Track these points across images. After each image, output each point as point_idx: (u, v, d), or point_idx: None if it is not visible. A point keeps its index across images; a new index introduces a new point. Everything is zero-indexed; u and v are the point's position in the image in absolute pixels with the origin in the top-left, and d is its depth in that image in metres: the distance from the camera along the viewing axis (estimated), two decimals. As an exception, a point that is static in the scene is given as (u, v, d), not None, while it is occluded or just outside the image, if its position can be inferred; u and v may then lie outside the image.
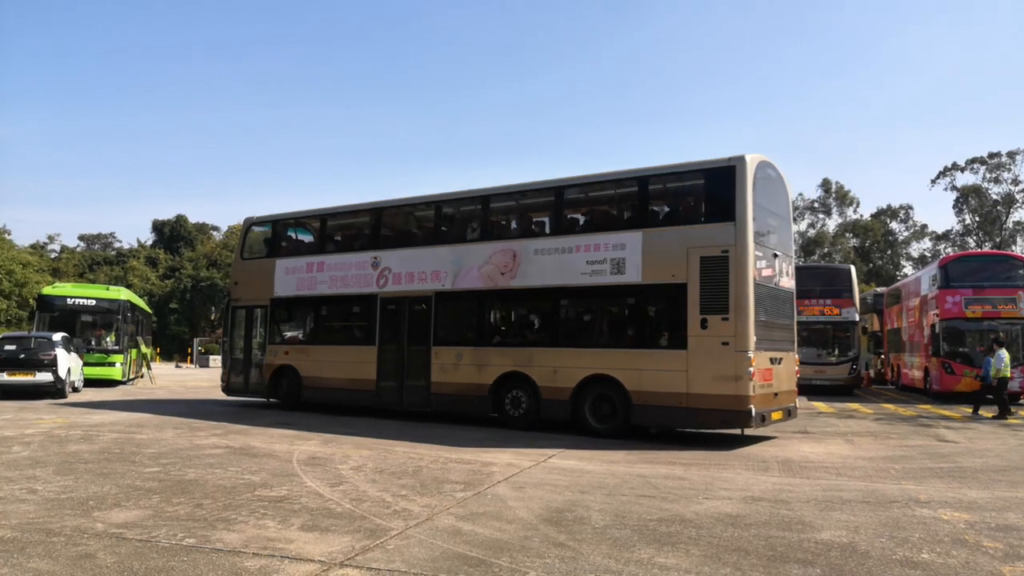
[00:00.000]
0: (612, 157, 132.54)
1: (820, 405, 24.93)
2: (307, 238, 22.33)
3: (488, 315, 17.98)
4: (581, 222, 17.27)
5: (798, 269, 35.14)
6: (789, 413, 16.23)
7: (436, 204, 19.48)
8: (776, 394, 15.58)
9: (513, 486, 10.74)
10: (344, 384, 20.00)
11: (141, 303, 38.09)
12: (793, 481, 11.49)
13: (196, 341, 65.25)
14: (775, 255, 15.95)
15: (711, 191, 15.62)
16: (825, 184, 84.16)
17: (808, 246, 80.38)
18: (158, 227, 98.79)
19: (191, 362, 61.87)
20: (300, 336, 21.57)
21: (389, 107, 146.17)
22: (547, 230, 17.54)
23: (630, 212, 16.59)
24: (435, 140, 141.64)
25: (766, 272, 15.53)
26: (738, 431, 15.82)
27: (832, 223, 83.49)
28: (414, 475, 11.39)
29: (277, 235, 22.76)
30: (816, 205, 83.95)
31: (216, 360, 56.61)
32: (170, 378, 38.31)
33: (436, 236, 19.16)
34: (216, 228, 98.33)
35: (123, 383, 30.81)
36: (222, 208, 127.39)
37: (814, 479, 11.68)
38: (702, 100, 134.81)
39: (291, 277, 21.61)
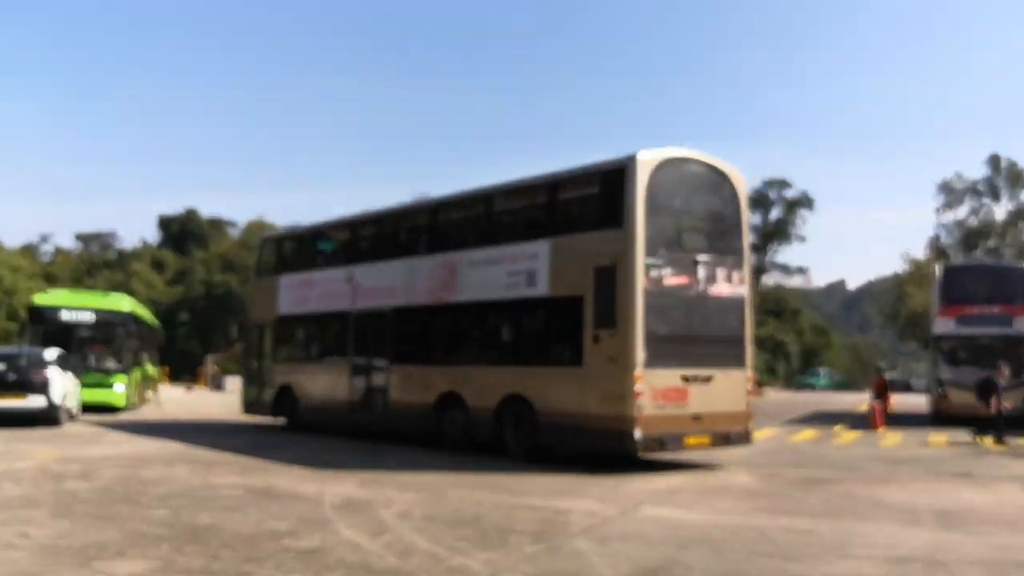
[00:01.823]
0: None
1: (988, 441, 24.32)
2: (303, 254, 25.93)
3: (433, 332, 20.55)
4: (507, 232, 19.31)
5: (953, 270, 34.07)
6: (727, 439, 17.49)
7: (393, 217, 22.90)
8: (696, 416, 16.90)
9: (595, 539, 10.65)
10: (326, 404, 23.42)
11: (146, 314, 38.59)
12: (952, 538, 11.21)
13: (209, 359, 65.29)
14: (696, 261, 17.26)
15: (604, 195, 17.26)
16: (993, 161, 78.42)
17: (969, 238, 76.47)
18: (165, 223, 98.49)
19: (204, 383, 62.12)
20: (296, 355, 25.19)
21: (451, 77, 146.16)
22: (478, 242, 19.75)
23: (541, 220, 18.56)
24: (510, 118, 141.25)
25: (675, 280, 16.95)
26: (637, 457, 16.76)
27: (1001, 209, 78.23)
28: (473, 524, 11.36)
29: (282, 252, 26.93)
30: (980, 188, 78.39)
31: (234, 382, 57.06)
32: (180, 404, 38.79)
33: (394, 250, 22.23)
34: (233, 224, 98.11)
35: (125, 409, 31.12)
36: (240, 200, 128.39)
37: (980, 535, 11.42)
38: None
39: (290, 294, 25.35)
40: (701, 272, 17.36)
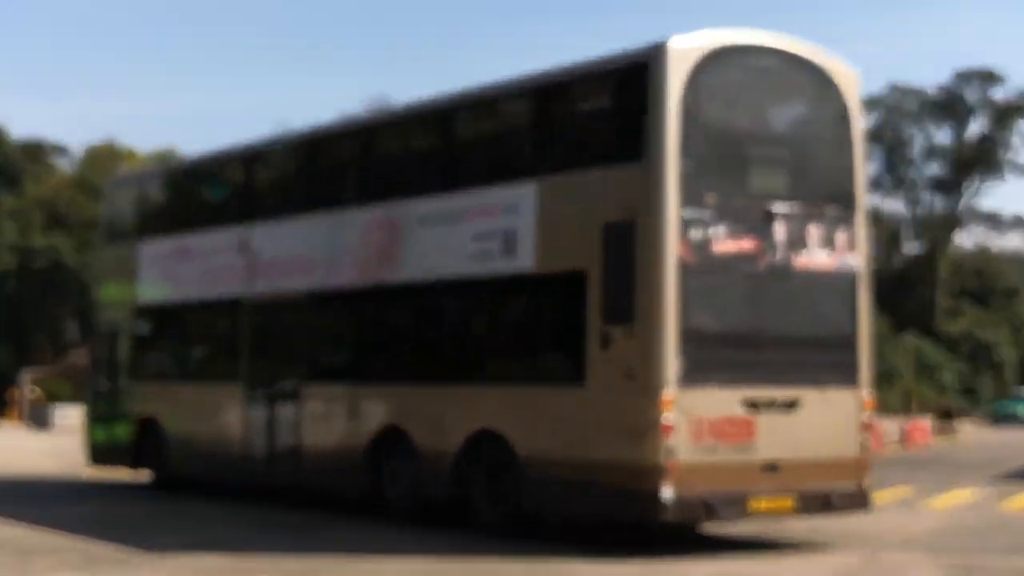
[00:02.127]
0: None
1: None
2: (175, 207, 19.20)
3: (365, 331, 15.19)
4: (473, 171, 13.95)
5: None
6: (825, 502, 12.17)
7: (306, 147, 16.47)
8: (771, 466, 11.82)
9: None
10: (210, 447, 17.07)
11: None
12: None
13: (26, 376, 47.08)
14: (770, 212, 12.14)
15: (617, 109, 12.56)
16: None
17: None
18: None
19: (16, 415, 45.90)
20: (165, 369, 18.65)
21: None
22: (430, 187, 14.19)
23: (525, 150, 13.37)
24: None
25: (732, 245, 11.89)
26: (665, 529, 12.17)
27: None
28: None
29: (143, 203, 19.78)
30: None
31: (69, 414, 42.26)
32: None
33: (308, 201, 16.04)
34: (63, 151, 68.76)
35: None
36: (73, 111, 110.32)
37: None
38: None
39: (155, 271, 18.72)
40: (779, 231, 12.21)
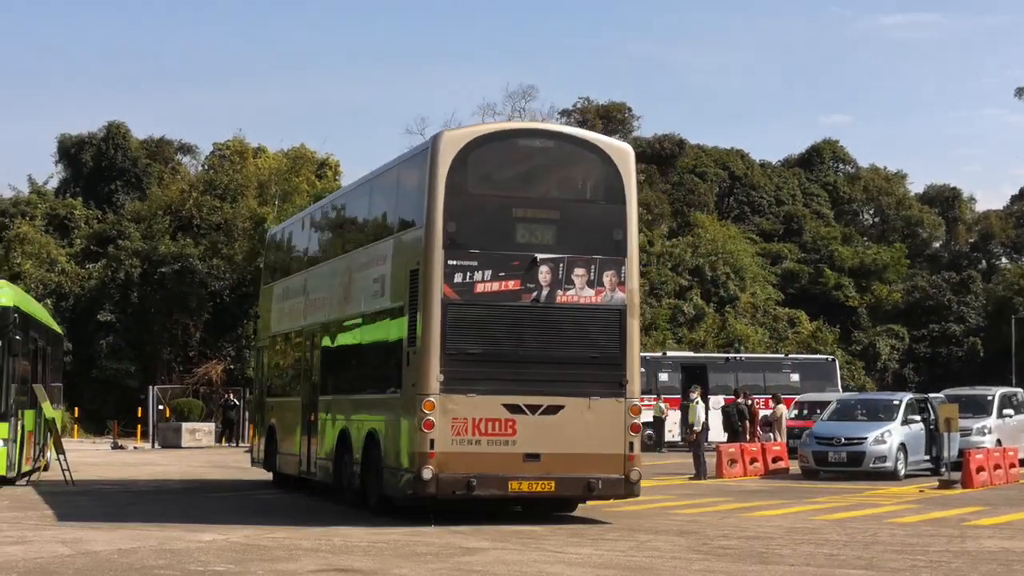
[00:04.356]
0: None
1: None
2: (302, 246, 24.73)
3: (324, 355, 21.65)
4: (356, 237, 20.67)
5: None
6: (588, 487, 16.55)
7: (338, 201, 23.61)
8: (531, 455, 16.27)
9: None
10: (296, 455, 22.51)
11: (42, 313, 29.25)
12: None
13: (154, 392, 47.20)
14: (535, 260, 16.51)
15: (416, 187, 17.27)
16: None
17: None
18: (69, 149, 64.45)
19: (143, 439, 46.52)
20: (278, 384, 25.18)
21: None
22: (330, 251, 22.11)
23: (388, 216, 19.23)
24: None
25: (495, 286, 16.36)
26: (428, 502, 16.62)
27: None
28: None
29: (282, 247, 26.67)
30: None
31: (197, 432, 44.87)
32: (105, 468, 29.81)
33: (335, 247, 22.25)
34: (192, 149, 70.02)
35: (8, 481, 22.65)
36: (199, 108, 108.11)
37: None
38: None
39: (284, 305, 24.81)
40: (543, 275, 16.65)
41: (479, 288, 16.23)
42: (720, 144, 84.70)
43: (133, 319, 54.61)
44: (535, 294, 16.48)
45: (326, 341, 21.17)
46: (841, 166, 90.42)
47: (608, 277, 16.78)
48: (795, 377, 45.25)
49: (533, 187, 17.92)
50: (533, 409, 16.20)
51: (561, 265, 16.54)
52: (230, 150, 62.97)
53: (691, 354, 51.77)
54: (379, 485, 17.55)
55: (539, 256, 16.47)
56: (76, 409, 47.75)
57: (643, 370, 41.59)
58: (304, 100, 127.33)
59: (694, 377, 40.54)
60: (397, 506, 17.53)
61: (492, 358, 16.27)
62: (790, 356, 51.05)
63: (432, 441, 15.74)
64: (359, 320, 19.37)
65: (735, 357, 49.70)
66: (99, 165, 63.90)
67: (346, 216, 21.75)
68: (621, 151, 17.46)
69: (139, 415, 47.24)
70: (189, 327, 55.15)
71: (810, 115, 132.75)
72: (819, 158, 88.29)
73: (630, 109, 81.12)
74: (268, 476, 25.09)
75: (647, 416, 41.86)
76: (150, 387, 47.97)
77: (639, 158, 74.56)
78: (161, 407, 46.55)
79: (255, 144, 64.03)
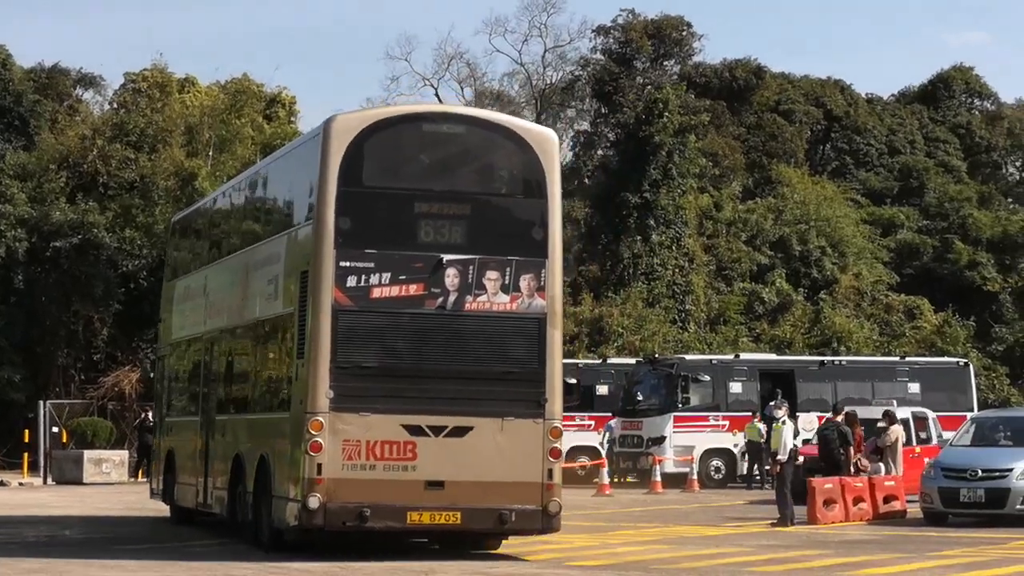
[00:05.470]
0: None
1: None
2: (204, 239, 27.99)
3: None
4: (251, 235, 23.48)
5: None
6: (500, 519, 18.48)
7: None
8: (434, 483, 18.35)
9: None
10: (193, 484, 25.33)
11: None
12: None
13: (46, 409, 48.49)
14: (441, 262, 18.56)
15: (306, 176, 19.61)
16: None
17: None
18: None
19: (31, 472, 47.16)
20: (180, 403, 28.24)
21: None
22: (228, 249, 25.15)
23: (281, 210, 22.06)
24: None
25: (394, 291, 18.48)
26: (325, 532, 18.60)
27: None
28: None
29: (185, 239, 30.22)
30: None
31: (107, 462, 45.35)
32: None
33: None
34: (96, 81, 73.84)
35: None
36: (111, 36, 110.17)
37: None
38: None
39: (184, 306, 27.91)
40: (451, 278, 18.50)
41: (376, 293, 18.33)
42: (812, 73, 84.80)
43: (17, 311, 54.76)
44: (440, 300, 18.54)
45: (223, 352, 23.91)
46: (976, 102, 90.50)
47: (526, 281, 18.79)
48: (914, 387, 45.16)
49: (440, 179, 19.73)
50: (436, 431, 18.24)
51: (471, 268, 18.57)
52: (147, 83, 62.83)
53: (773, 357, 51.96)
54: (270, 517, 19.60)
55: (446, 257, 18.55)
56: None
57: (708, 378, 43.26)
58: (247, 15, 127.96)
59: (777, 387, 40.61)
60: (287, 540, 19.45)
61: (390, 372, 18.32)
62: (908, 359, 51.07)
63: (320, 466, 17.77)
64: (254, 328, 21.96)
65: (833, 361, 49.75)
66: (-31, 102, 63.66)
67: (243, 207, 24.51)
68: (542, 137, 19.67)
69: (26, 440, 47.41)
70: (93, 322, 55.21)
71: (934, 33, 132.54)
72: (947, 91, 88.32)
73: (690, 26, 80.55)
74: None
75: (738, 440, 42.28)
76: (40, 402, 48.49)
77: (702, 90, 73.97)
78: (56, 429, 47.09)
79: (181, 75, 63.94)
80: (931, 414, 36.90)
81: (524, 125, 20.75)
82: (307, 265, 18.62)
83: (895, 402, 37.53)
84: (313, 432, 17.75)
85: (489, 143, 19.89)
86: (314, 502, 17.62)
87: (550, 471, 18.66)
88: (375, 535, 19.20)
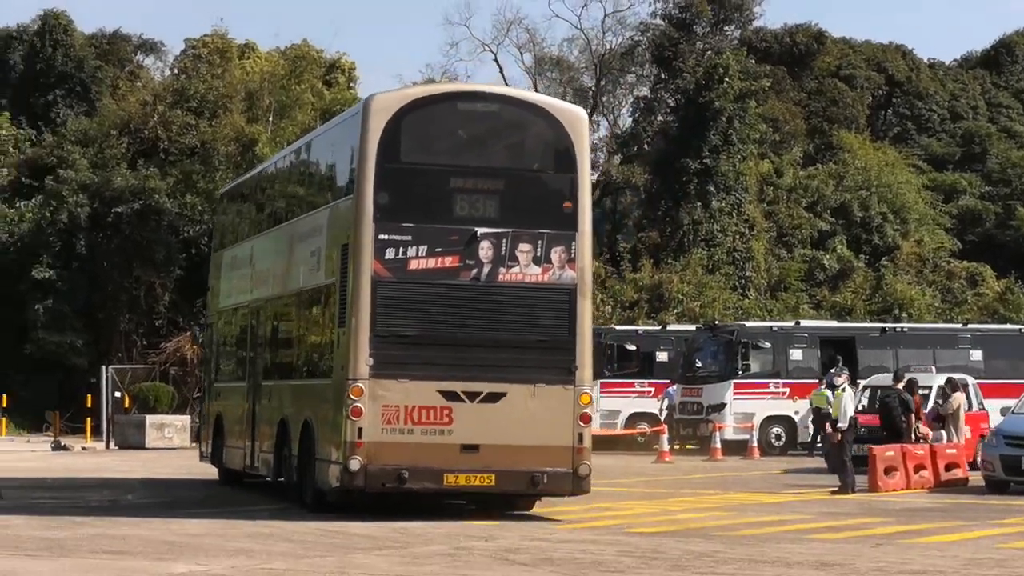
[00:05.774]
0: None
1: None
2: (251, 209, 29.38)
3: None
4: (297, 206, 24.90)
5: None
6: (532, 481, 19.56)
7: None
8: (470, 447, 19.47)
9: None
10: (241, 448, 26.55)
11: None
12: None
13: (109, 375, 48.38)
14: (475, 235, 19.66)
15: (347, 152, 20.81)
16: None
17: None
18: None
19: (94, 437, 47.60)
20: (225, 370, 29.85)
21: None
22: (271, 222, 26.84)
23: (324, 184, 23.36)
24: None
25: (430, 263, 19.66)
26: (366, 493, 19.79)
27: None
28: None
29: (232, 209, 31.78)
30: None
31: (170, 427, 45.34)
32: (44, 476, 31.30)
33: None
34: (156, 47, 73.79)
35: None
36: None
37: None
38: None
39: (232, 275, 29.37)
40: (484, 251, 19.60)
41: (413, 265, 19.52)
42: (874, 38, 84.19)
43: (79, 276, 55.23)
44: (475, 272, 19.74)
45: (269, 320, 25.57)
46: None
47: (557, 253, 19.88)
48: (977, 355, 44.97)
49: (474, 155, 21.12)
50: (472, 396, 19.38)
51: (504, 240, 19.71)
52: (207, 49, 63.14)
53: (834, 324, 51.68)
54: (313, 479, 20.88)
55: (480, 231, 19.67)
56: (3, 397, 48.41)
57: (768, 345, 43.14)
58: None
59: (838, 355, 40.48)
60: (330, 501, 20.70)
61: (427, 341, 19.55)
62: (970, 326, 50.74)
63: (360, 430, 18.97)
64: (297, 297, 23.59)
65: (894, 328, 49.53)
66: (32, 69, 64.56)
67: (287, 180, 26.11)
68: (572, 115, 20.82)
69: (88, 405, 47.77)
70: (155, 287, 55.50)
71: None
72: (1009, 56, 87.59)
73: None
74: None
75: (799, 408, 42.12)
76: (103, 367, 48.62)
77: (763, 55, 73.31)
78: (118, 394, 47.46)
79: (241, 41, 64.14)
80: (971, 380, 36.58)
81: (554, 103, 21.95)
82: (348, 238, 19.78)
83: (933, 370, 37.57)
84: (354, 398, 18.95)
85: (521, 121, 21.08)
86: (355, 464, 18.78)
87: (580, 435, 19.66)
88: (412, 496, 20.56)
